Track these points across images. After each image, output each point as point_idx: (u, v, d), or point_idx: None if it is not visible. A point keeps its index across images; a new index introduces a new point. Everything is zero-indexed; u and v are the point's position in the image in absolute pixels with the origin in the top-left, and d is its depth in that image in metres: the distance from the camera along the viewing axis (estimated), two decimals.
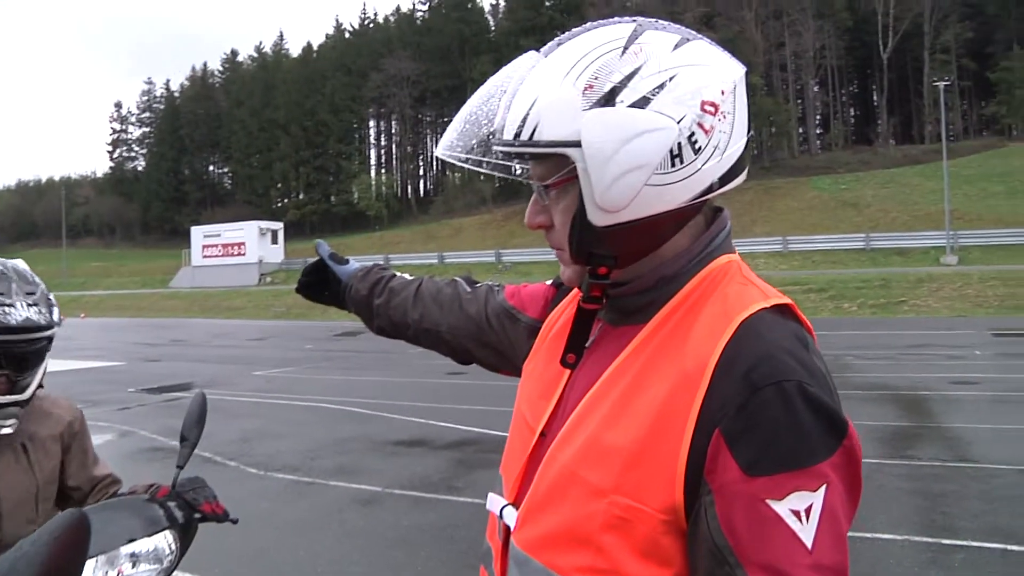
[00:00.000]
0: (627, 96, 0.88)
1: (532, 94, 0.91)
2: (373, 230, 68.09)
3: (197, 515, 1.81)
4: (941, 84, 40.46)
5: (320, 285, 1.63)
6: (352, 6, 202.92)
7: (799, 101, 64.41)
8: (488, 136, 0.97)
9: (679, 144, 0.88)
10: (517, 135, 0.91)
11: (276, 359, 17.61)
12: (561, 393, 1.05)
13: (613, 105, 0.88)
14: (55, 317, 1.80)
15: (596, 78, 0.88)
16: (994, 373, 12.05)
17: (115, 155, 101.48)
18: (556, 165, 0.93)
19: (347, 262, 1.61)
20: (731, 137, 0.92)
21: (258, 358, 18.09)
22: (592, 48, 0.91)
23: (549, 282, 1.34)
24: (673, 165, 0.89)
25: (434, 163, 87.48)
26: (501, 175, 1.06)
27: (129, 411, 10.89)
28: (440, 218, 63.90)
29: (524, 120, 0.90)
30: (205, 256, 52.70)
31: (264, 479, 7.05)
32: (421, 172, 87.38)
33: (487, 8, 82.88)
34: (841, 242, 36.80)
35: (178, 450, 1.86)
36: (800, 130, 63.56)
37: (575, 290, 1.17)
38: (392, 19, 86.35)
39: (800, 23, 59.62)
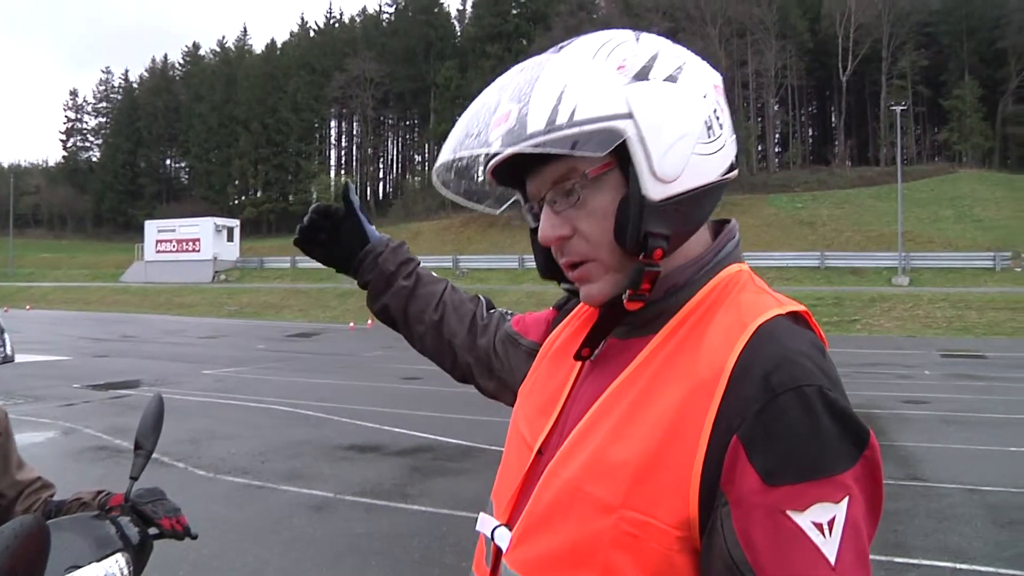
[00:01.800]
0: (657, 73, 0.89)
1: (559, 81, 0.87)
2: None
3: (153, 531, 1.63)
4: (897, 109, 41.48)
5: (325, 237, 1.40)
6: (318, 5, 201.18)
7: (759, 119, 65.38)
8: (510, 141, 0.87)
9: (709, 117, 0.91)
10: (551, 122, 0.84)
11: (228, 358, 17.33)
12: (562, 407, 0.99)
13: (648, 80, 0.88)
14: (8, 349, 1.65)
15: (625, 59, 0.89)
16: (943, 393, 12.26)
17: (69, 144, 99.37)
18: (583, 159, 0.88)
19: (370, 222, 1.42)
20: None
21: (209, 357, 17.78)
22: (606, 40, 0.92)
23: (552, 306, 1.28)
24: (709, 136, 0.90)
25: (394, 165, 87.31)
26: (482, 208, 1.03)
27: (73, 408, 10.59)
28: (398, 222, 63.48)
29: (557, 106, 0.85)
30: (159, 251, 51.73)
31: (213, 482, 6.88)
32: (381, 175, 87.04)
33: (453, 13, 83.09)
34: (796, 259, 37.37)
35: (132, 459, 1.71)
36: (759, 148, 64.42)
37: (580, 308, 1.13)
38: (358, 19, 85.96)
39: (763, 42, 60.56)
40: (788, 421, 0.76)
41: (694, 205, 0.90)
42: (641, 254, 0.89)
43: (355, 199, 1.39)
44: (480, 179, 1.03)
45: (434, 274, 1.43)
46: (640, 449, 0.82)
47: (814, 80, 68.01)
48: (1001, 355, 18.25)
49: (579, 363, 1.01)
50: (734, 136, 0.96)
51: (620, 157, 0.87)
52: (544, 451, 0.96)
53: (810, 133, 74.88)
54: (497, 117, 0.89)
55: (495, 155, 0.93)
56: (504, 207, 1.09)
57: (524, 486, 0.96)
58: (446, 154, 0.95)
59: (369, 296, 1.41)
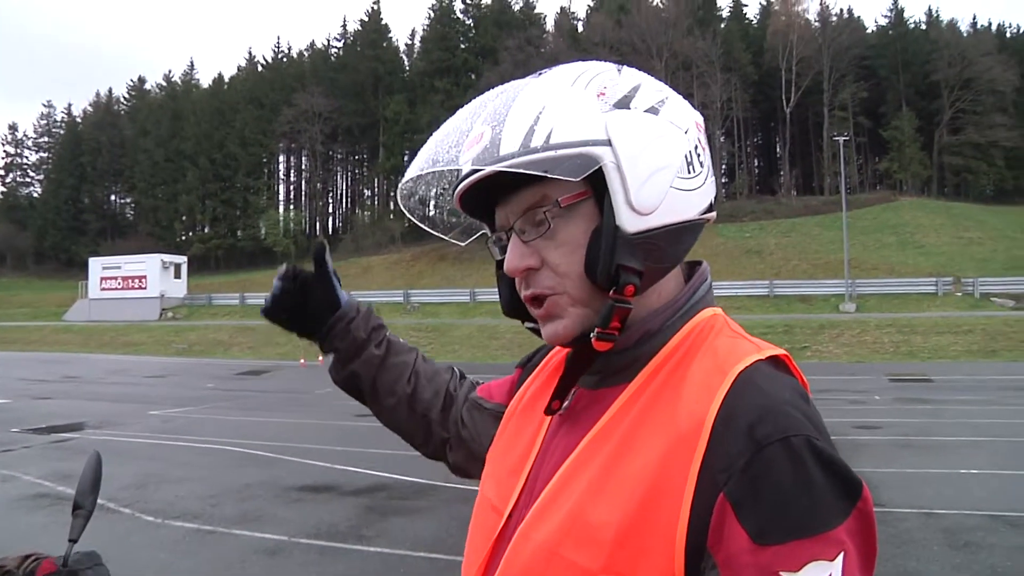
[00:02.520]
0: (639, 104, 0.87)
1: (536, 104, 0.84)
2: (279, 266, 66.74)
3: None
4: (840, 139, 42.63)
5: (291, 303, 1.27)
6: (265, 39, 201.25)
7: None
8: (483, 162, 0.84)
9: (690, 152, 0.88)
10: (525, 145, 0.81)
11: (175, 398, 16.92)
12: (532, 466, 0.92)
13: (629, 109, 0.86)
14: None
15: (606, 87, 0.87)
16: (894, 418, 12.46)
17: (8, 180, 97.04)
18: (556, 186, 0.84)
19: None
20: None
21: (156, 397, 17.33)
22: (587, 68, 0.90)
23: (516, 365, 1.21)
24: (689, 172, 0.88)
25: (343, 200, 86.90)
26: (445, 238, 0.99)
27: (12, 453, 10.19)
28: (348, 256, 63.08)
29: (533, 128, 0.82)
30: (103, 289, 50.51)
31: (161, 528, 6.64)
32: (330, 209, 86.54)
33: (402, 47, 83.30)
34: (746, 288, 37.84)
35: (71, 520, 1.60)
36: None
37: (548, 358, 1.08)
38: (306, 54, 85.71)
39: (708, 75, 61.86)
40: (776, 476, 0.72)
41: (670, 242, 0.86)
42: (612, 289, 0.84)
43: (329, 261, 1.29)
44: (445, 208, 0.99)
45: (403, 341, 1.32)
46: (620, 509, 0.77)
47: (759, 112, 69.60)
48: (946, 378, 18.63)
49: (548, 418, 0.95)
50: (712, 176, 0.93)
51: (595, 187, 0.83)
52: (514, 514, 0.89)
53: (756, 164, 76.37)
54: (470, 139, 0.85)
55: (462, 182, 0.87)
56: (471, 239, 1.04)
57: (493, 552, 0.89)
58: (414, 170, 0.91)
59: (335, 364, 1.28)
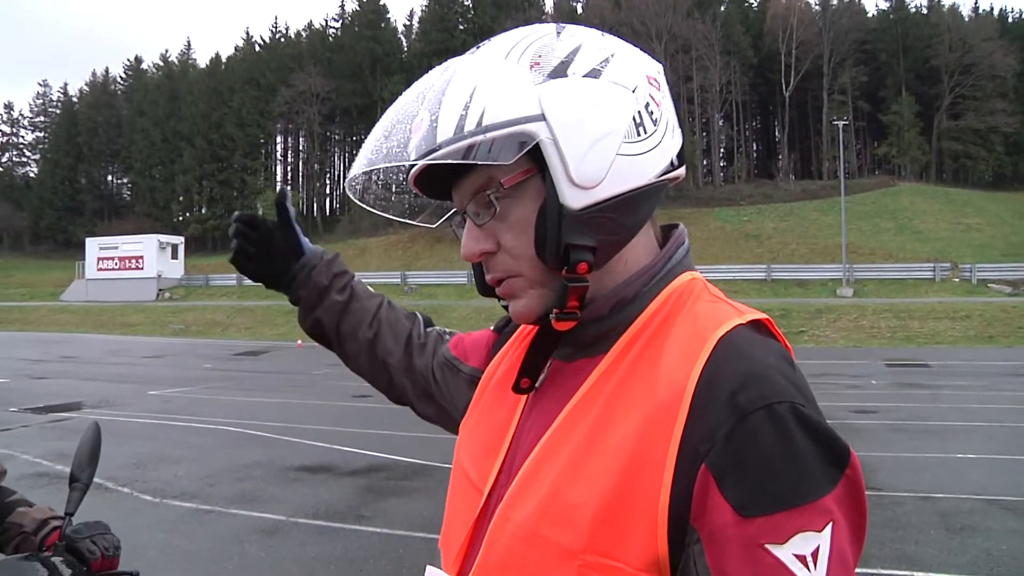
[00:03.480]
0: (577, 68, 0.82)
1: (468, 85, 0.80)
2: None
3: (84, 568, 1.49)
4: (840, 124, 42.63)
5: (255, 251, 1.26)
6: (263, 19, 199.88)
7: (704, 134, 66.47)
8: (419, 154, 0.81)
9: (639, 112, 0.83)
10: (459, 129, 0.78)
11: (173, 378, 16.90)
12: (510, 444, 0.90)
13: (566, 76, 0.81)
14: None
15: (540, 56, 0.82)
16: (891, 402, 12.49)
17: (4, 160, 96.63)
18: (499, 168, 0.81)
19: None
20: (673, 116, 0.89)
21: (154, 377, 17.33)
22: (523, 36, 0.85)
23: (492, 327, 1.18)
24: (639, 135, 0.82)
25: (341, 181, 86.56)
26: (406, 221, 0.96)
27: (10, 432, 10.20)
28: (346, 238, 62.96)
29: (466, 111, 0.78)
30: (100, 269, 50.42)
31: (160, 507, 6.67)
32: (328, 190, 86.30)
33: (400, 28, 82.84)
34: (743, 272, 37.87)
35: (67, 493, 1.59)
36: (705, 162, 65.38)
37: (520, 331, 1.05)
38: (304, 34, 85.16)
39: (707, 58, 61.64)
40: (760, 445, 0.68)
41: (624, 211, 0.82)
42: (564, 268, 0.81)
43: (291, 208, 1.26)
44: (404, 193, 0.96)
45: (370, 289, 1.31)
46: (600, 487, 0.75)
47: (758, 95, 69.43)
48: (943, 363, 18.67)
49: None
50: (678, 131, 0.89)
51: (539, 164, 0.80)
52: (493, 493, 0.87)
53: (754, 147, 76.28)
54: (414, 125, 0.82)
55: (411, 170, 0.86)
56: (441, 221, 1.00)
57: (474, 533, 0.87)
58: (360, 165, 0.87)
59: (300, 312, 1.28)
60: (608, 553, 0.73)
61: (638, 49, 0.89)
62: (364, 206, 0.96)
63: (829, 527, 0.67)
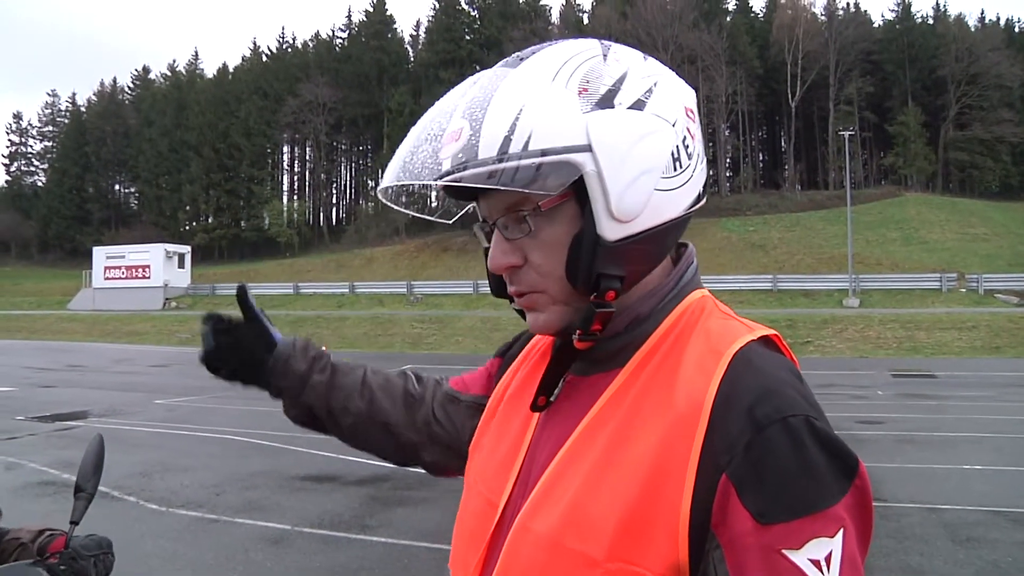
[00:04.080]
0: (624, 99, 0.83)
1: (515, 103, 0.80)
2: (283, 257, 66.84)
3: None
4: (846, 134, 42.51)
5: (230, 349, 1.21)
6: (270, 29, 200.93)
7: (711, 144, 66.39)
8: (457, 165, 0.81)
9: (677, 147, 0.85)
10: (504, 150, 0.78)
11: (180, 387, 16.91)
12: (524, 458, 0.92)
13: (613, 107, 0.82)
14: None
15: (588, 81, 0.83)
16: (896, 413, 12.45)
17: (12, 169, 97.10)
18: (554, 184, 0.81)
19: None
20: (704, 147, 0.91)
21: (161, 386, 17.37)
22: (572, 55, 0.85)
23: (492, 355, 1.20)
24: (675, 169, 0.85)
25: (347, 191, 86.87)
26: (434, 219, 0.96)
27: (17, 441, 10.24)
28: (352, 247, 63.13)
29: (511, 132, 0.79)
30: (107, 278, 50.57)
31: (165, 516, 6.68)
32: (334, 200, 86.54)
33: (407, 38, 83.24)
34: (749, 283, 37.79)
35: (73, 502, 1.62)
36: (711, 172, 65.40)
37: (531, 346, 1.07)
38: (310, 44, 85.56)
39: (713, 69, 61.72)
40: (777, 456, 0.73)
41: (653, 244, 0.86)
42: (593, 294, 0.84)
43: (253, 301, 1.23)
44: (432, 194, 0.97)
45: (348, 361, 1.26)
46: (622, 496, 0.78)
47: (764, 106, 69.46)
48: (950, 374, 18.61)
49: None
50: (704, 161, 0.91)
51: (577, 190, 0.82)
52: (509, 506, 0.89)
53: (760, 158, 76.22)
54: (448, 134, 0.82)
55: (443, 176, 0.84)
56: (457, 217, 1.02)
57: (491, 546, 0.89)
58: (393, 176, 0.87)
59: (285, 403, 1.22)
60: (631, 560, 0.76)
61: (674, 74, 0.90)
62: (391, 204, 0.96)
63: (841, 533, 0.72)
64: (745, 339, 0.82)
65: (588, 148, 0.79)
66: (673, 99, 0.87)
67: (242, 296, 1.22)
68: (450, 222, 1.03)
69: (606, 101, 0.82)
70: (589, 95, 0.82)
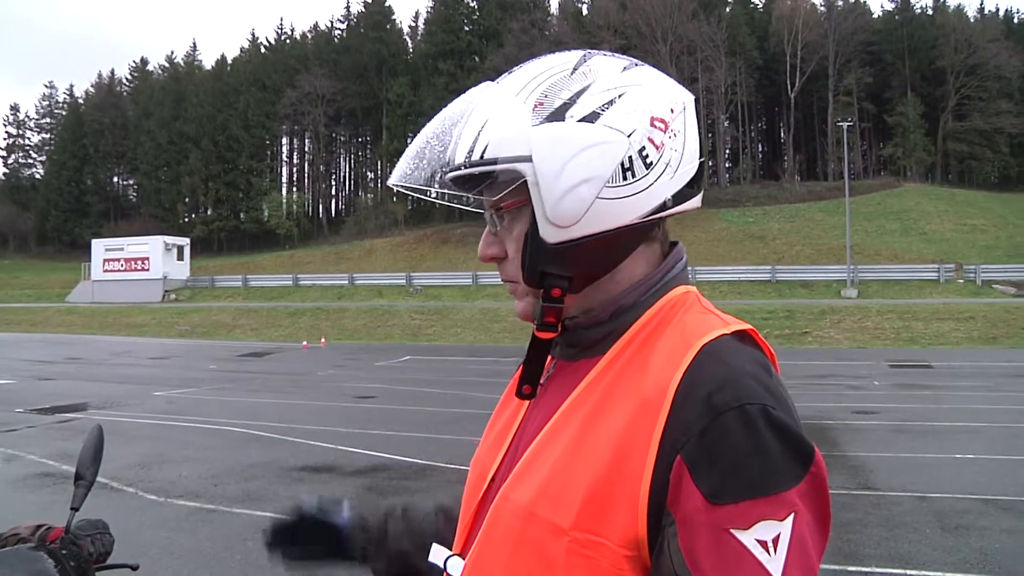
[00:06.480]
0: (576, 111, 0.88)
1: (483, 116, 0.90)
2: (282, 249, 66.80)
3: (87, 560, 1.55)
4: (844, 125, 42.51)
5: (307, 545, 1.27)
6: (269, 20, 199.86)
7: (710, 135, 66.30)
8: (442, 167, 0.93)
9: (630, 158, 0.88)
10: (468, 157, 0.89)
11: (178, 379, 16.99)
12: (514, 435, 1.00)
13: (563, 120, 0.87)
14: None
15: (546, 95, 0.89)
16: (892, 403, 12.52)
17: (10, 161, 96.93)
18: (508, 188, 0.90)
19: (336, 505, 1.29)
20: (683, 156, 0.92)
21: (159, 378, 17.44)
22: (542, 71, 0.92)
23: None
24: (625, 179, 0.88)
25: (346, 183, 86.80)
26: (455, 205, 1.01)
27: (16, 433, 10.29)
28: (351, 239, 63.11)
29: (475, 141, 0.89)
30: (106, 270, 50.57)
31: (164, 506, 6.74)
32: (333, 192, 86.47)
33: (406, 29, 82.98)
34: (748, 274, 37.87)
35: (73, 490, 1.67)
36: (710, 163, 65.32)
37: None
38: (309, 36, 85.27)
39: (713, 60, 61.58)
40: (731, 440, 0.76)
41: (601, 248, 0.91)
42: (541, 290, 0.92)
43: (313, 508, 1.30)
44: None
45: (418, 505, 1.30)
46: (591, 471, 0.83)
47: (763, 97, 69.33)
48: (946, 364, 18.67)
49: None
50: (685, 170, 0.93)
51: (530, 196, 0.89)
52: (496, 478, 0.97)
53: (760, 149, 76.14)
54: (450, 138, 0.92)
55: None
56: (462, 205, 1.07)
57: (477, 513, 0.97)
58: (409, 165, 0.94)
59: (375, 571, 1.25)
60: (594, 531, 0.81)
61: (665, 83, 0.94)
62: (410, 192, 1.01)
63: (791, 517, 0.75)
64: (717, 332, 0.87)
65: (529, 159, 0.86)
66: (636, 110, 0.89)
67: (300, 510, 1.30)
68: (463, 206, 1.07)
69: (557, 115, 0.88)
70: (543, 109, 0.88)
